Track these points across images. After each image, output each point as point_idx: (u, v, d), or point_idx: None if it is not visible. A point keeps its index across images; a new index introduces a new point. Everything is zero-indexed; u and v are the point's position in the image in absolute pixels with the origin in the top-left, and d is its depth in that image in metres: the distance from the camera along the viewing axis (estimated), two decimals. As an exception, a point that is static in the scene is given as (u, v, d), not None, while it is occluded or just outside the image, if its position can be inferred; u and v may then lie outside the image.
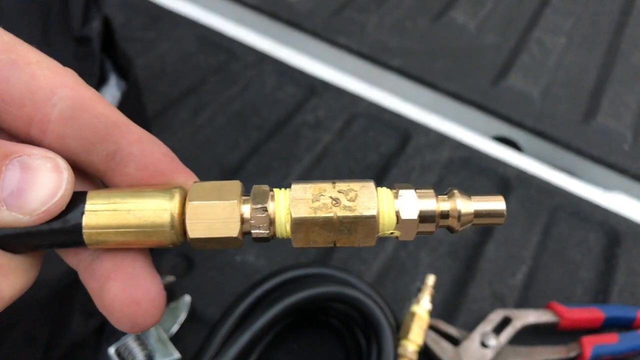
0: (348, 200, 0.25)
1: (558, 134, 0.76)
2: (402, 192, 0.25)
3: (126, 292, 0.24)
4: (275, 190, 0.26)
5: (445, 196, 0.26)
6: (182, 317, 0.47)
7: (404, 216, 0.25)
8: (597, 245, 0.65)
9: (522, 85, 0.81)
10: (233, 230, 0.24)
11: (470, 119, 0.78)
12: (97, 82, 0.51)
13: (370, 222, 0.25)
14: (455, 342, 0.51)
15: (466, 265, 0.60)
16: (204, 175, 0.62)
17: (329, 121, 0.70)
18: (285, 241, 0.55)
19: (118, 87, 0.51)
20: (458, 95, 0.78)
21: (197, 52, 0.76)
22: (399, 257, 0.59)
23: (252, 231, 0.25)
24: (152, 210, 0.24)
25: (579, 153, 0.75)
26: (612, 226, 0.66)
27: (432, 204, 0.25)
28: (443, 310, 0.55)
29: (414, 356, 0.45)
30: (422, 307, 0.47)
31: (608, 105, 0.80)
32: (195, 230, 0.24)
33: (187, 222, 0.24)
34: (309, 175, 0.64)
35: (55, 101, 0.24)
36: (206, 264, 0.53)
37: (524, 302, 0.57)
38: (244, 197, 0.25)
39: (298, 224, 0.24)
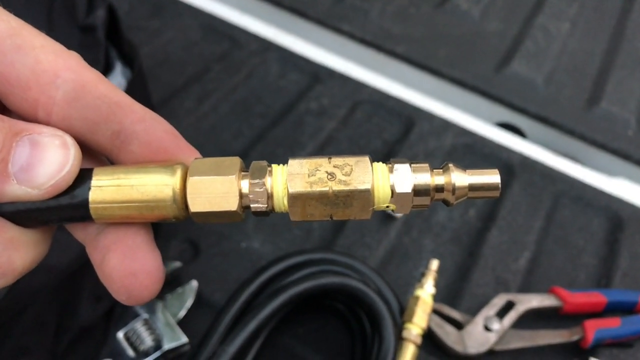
0: (343, 174, 0.25)
1: (562, 120, 0.76)
2: (397, 166, 0.26)
3: (124, 263, 0.25)
4: (274, 165, 0.26)
5: (440, 170, 0.26)
6: (189, 302, 0.47)
7: (398, 190, 0.25)
8: (600, 230, 0.65)
9: (525, 71, 0.81)
10: (232, 204, 0.25)
11: (473, 106, 0.78)
12: (103, 70, 0.51)
13: (365, 195, 0.25)
14: (459, 326, 0.51)
15: (469, 251, 0.60)
16: (209, 162, 0.62)
17: (333, 108, 0.71)
18: (290, 227, 0.55)
19: (123, 75, 0.52)
20: (461, 81, 0.78)
21: (201, 40, 0.76)
22: (403, 243, 0.59)
23: (251, 205, 0.26)
24: (155, 185, 0.25)
25: (583, 139, 0.75)
26: (615, 211, 0.66)
27: (427, 177, 0.26)
28: (447, 294, 0.56)
29: (418, 339, 0.46)
30: (426, 291, 0.48)
31: (612, 91, 0.80)
32: (196, 204, 0.25)
33: (188, 196, 0.25)
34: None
35: (59, 84, 0.25)
36: (212, 250, 0.54)
37: (527, 287, 0.58)
38: (243, 173, 0.26)
39: (294, 197, 0.25)
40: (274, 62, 0.75)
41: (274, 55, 0.76)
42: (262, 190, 0.25)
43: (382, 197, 0.25)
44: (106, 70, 0.51)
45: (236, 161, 0.26)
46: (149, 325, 0.45)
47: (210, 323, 0.44)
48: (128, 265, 0.25)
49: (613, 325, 0.53)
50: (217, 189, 0.25)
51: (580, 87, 0.81)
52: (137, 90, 0.51)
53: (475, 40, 0.84)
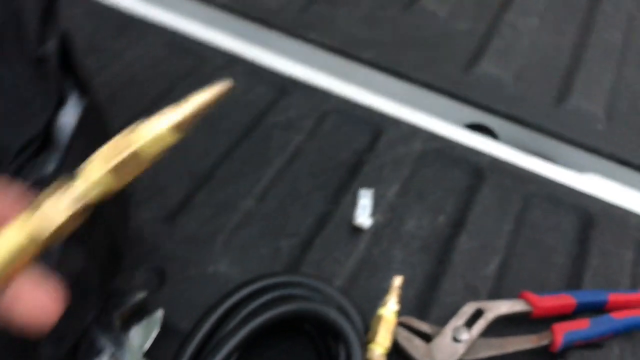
0: None
1: (531, 118, 0.76)
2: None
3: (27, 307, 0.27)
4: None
5: None
6: (155, 332, 0.47)
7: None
8: (571, 229, 0.65)
9: (494, 70, 0.81)
10: None
11: (443, 109, 0.78)
12: (57, 102, 0.51)
13: None
14: (427, 338, 0.52)
15: (439, 259, 0.60)
16: (175, 184, 0.62)
17: (300, 120, 0.70)
18: (258, 246, 0.55)
19: (78, 105, 0.51)
20: (430, 84, 0.78)
21: (166, 58, 0.76)
22: (372, 255, 0.59)
23: None
24: None
25: (553, 136, 0.76)
26: (585, 209, 0.67)
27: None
28: (416, 306, 0.56)
29: (382, 359, 0.46)
30: (389, 309, 0.48)
31: (581, 86, 0.80)
32: None
33: None
34: (280, 178, 0.64)
35: None
36: (178, 276, 0.54)
37: (497, 293, 0.58)
38: None
39: None
40: (240, 76, 0.74)
41: (240, 69, 0.75)
42: None
43: None
44: (60, 102, 0.51)
45: None
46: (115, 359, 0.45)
47: (174, 353, 0.44)
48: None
49: (582, 327, 0.54)
50: None
51: (549, 83, 0.81)
52: (90, 122, 0.51)
53: (443, 42, 0.84)
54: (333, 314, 0.45)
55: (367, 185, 0.65)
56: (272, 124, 0.69)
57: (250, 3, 0.83)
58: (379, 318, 0.47)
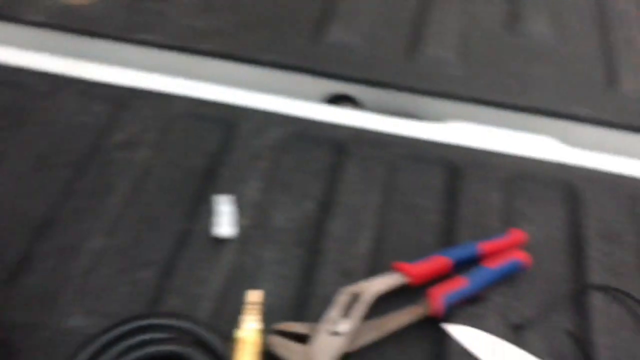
0: None
1: (387, 78, 0.75)
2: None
3: None
4: None
5: None
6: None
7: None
8: (439, 184, 0.64)
9: (343, 36, 0.78)
10: None
11: (298, 87, 0.75)
12: None
13: None
14: (305, 339, 0.49)
15: (312, 250, 0.58)
16: (9, 238, 0.55)
17: (144, 134, 0.65)
18: (114, 286, 0.50)
19: None
20: (278, 63, 0.75)
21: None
22: (242, 264, 0.56)
23: None
24: None
25: (411, 91, 0.74)
26: (450, 160, 0.66)
27: None
28: (294, 306, 0.53)
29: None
30: (248, 329, 0.45)
31: (431, 34, 0.79)
32: None
33: None
34: (129, 204, 0.59)
35: None
36: (28, 343, 0.48)
37: (374, 270, 0.56)
38: None
39: None
40: (70, 98, 0.68)
41: (70, 90, 0.69)
42: None
43: None
44: None
45: None
46: None
47: None
48: None
49: (460, 286, 0.53)
50: None
51: (399, 38, 0.79)
52: None
53: (286, 16, 0.80)
54: (190, 354, 0.42)
55: (227, 188, 0.61)
56: (112, 145, 0.64)
57: (68, 16, 0.76)
58: (239, 341, 0.44)
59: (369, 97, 0.76)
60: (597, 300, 0.55)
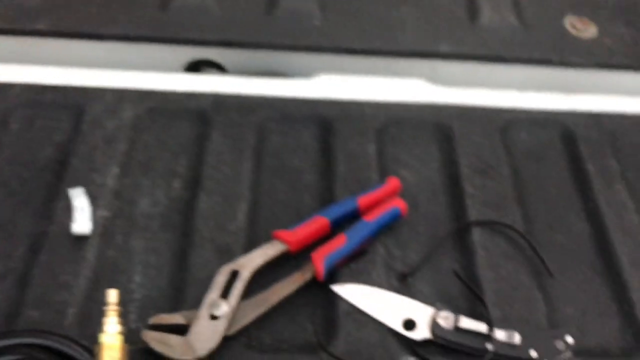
0: None
1: (247, 37, 0.70)
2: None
3: None
4: None
5: None
6: None
7: None
8: (313, 142, 0.62)
9: (193, -3, 0.73)
10: None
11: (153, 59, 0.69)
12: None
13: None
14: (184, 330, 0.45)
15: (183, 231, 0.53)
16: None
17: (-23, 133, 0.58)
18: None
19: None
20: (127, 36, 0.68)
21: None
22: (108, 259, 0.51)
23: None
24: None
25: (274, 48, 0.71)
26: (322, 115, 0.63)
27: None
28: (170, 296, 0.49)
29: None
30: (109, 333, 0.40)
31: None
32: None
33: None
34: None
35: None
36: None
37: (255, 241, 0.53)
38: None
39: None
40: None
41: None
42: None
43: None
44: None
45: None
46: None
47: None
48: None
49: (339, 244, 0.51)
50: None
51: (255, -7, 0.74)
52: None
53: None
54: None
55: (82, 179, 0.55)
56: (-62, 150, 0.56)
57: None
58: (101, 346, 0.40)
59: (231, 60, 0.72)
60: (478, 236, 0.55)
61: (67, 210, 0.53)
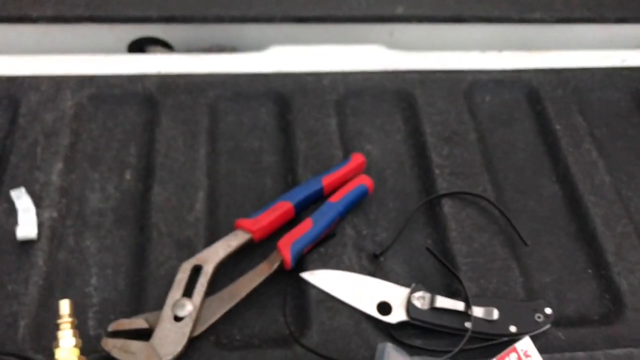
0: None
1: (192, 11, 0.65)
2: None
3: None
4: None
5: None
6: None
7: None
8: (270, 120, 0.59)
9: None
10: None
11: (90, 40, 0.64)
12: None
13: None
14: (148, 334, 0.43)
15: (139, 226, 0.50)
16: None
17: None
18: None
19: None
20: (59, 17, 0.63)
21: None
22: (59, 262, 0.47)
23: None
24: None
25: (221, 21, 0.66)
26: (277, 90, 0.60)
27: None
28: (130, 297, 0.46)
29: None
30: (64, 347, 0.37)
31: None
32: None
33: None
34: None
35: None
36: None
37: (217, 232, 0.50)
38: None
39: None
40: None
41: None
42: None
43: None
44: None
45: None
46: None
47: None
48: None
49: (306, 229, 0.48)
50: None
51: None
52: None
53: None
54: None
55: (22, 179, 0.51)
56: None
57: None
58: (56, 364, 0.37)
59: (177, 37, 0.67)
60: (449, 208, 0.53)
61: (10, 213, 0.49)
